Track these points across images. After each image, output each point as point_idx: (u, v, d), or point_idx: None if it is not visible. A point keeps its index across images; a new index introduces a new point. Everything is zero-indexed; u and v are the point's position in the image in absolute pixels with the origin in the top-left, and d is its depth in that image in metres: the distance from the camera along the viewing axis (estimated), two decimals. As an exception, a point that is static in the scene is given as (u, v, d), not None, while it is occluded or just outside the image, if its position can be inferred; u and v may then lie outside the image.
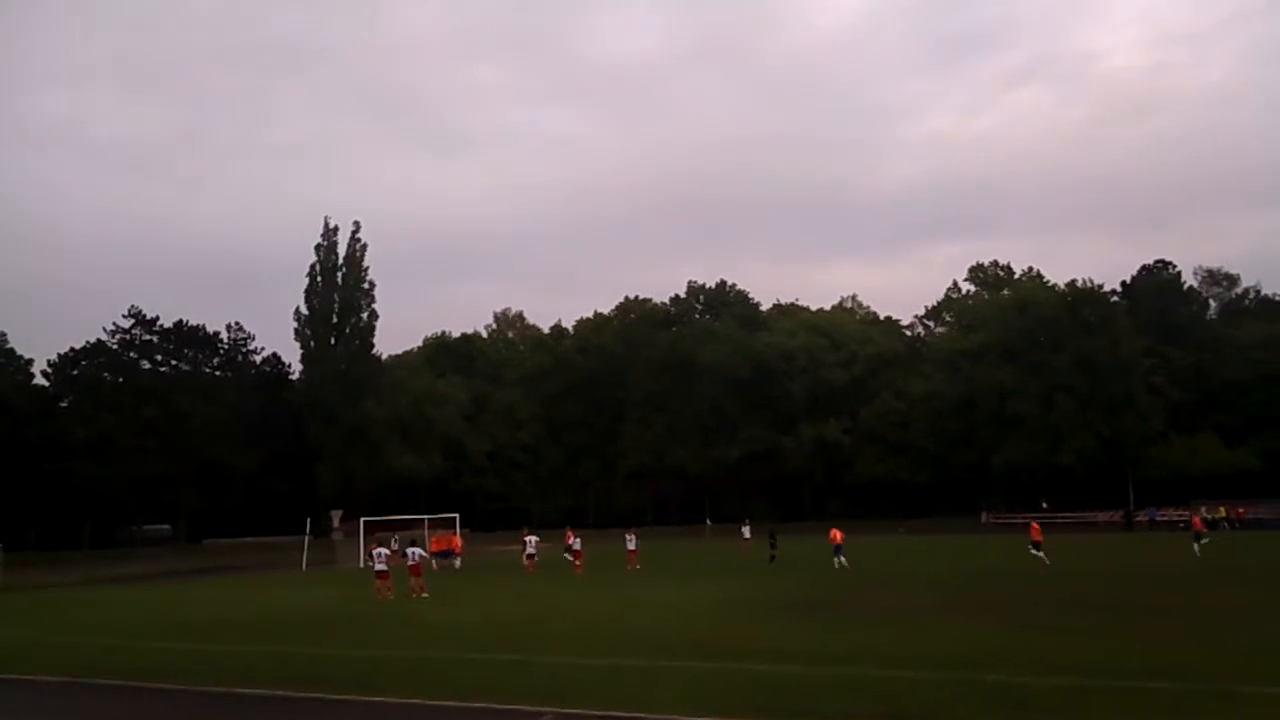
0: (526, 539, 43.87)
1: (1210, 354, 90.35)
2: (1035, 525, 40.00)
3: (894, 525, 76.51)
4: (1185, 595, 25.17)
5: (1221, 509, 68.91)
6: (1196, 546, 40.31)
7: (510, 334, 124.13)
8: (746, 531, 54.52)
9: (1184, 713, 11.59)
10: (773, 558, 42.78)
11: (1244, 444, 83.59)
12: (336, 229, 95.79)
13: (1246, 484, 76.42)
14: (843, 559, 37.82)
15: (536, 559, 42.69)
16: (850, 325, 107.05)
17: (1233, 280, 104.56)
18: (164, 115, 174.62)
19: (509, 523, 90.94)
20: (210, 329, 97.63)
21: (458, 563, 47.66)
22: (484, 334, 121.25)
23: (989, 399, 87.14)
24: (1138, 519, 74.06)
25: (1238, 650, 16.12)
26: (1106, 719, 11.35)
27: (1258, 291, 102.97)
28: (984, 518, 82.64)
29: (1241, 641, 17.11)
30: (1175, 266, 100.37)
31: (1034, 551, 36.76)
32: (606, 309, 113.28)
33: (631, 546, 42.80)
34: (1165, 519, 70.91)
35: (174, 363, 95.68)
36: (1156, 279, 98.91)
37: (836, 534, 39.44)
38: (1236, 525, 66.23)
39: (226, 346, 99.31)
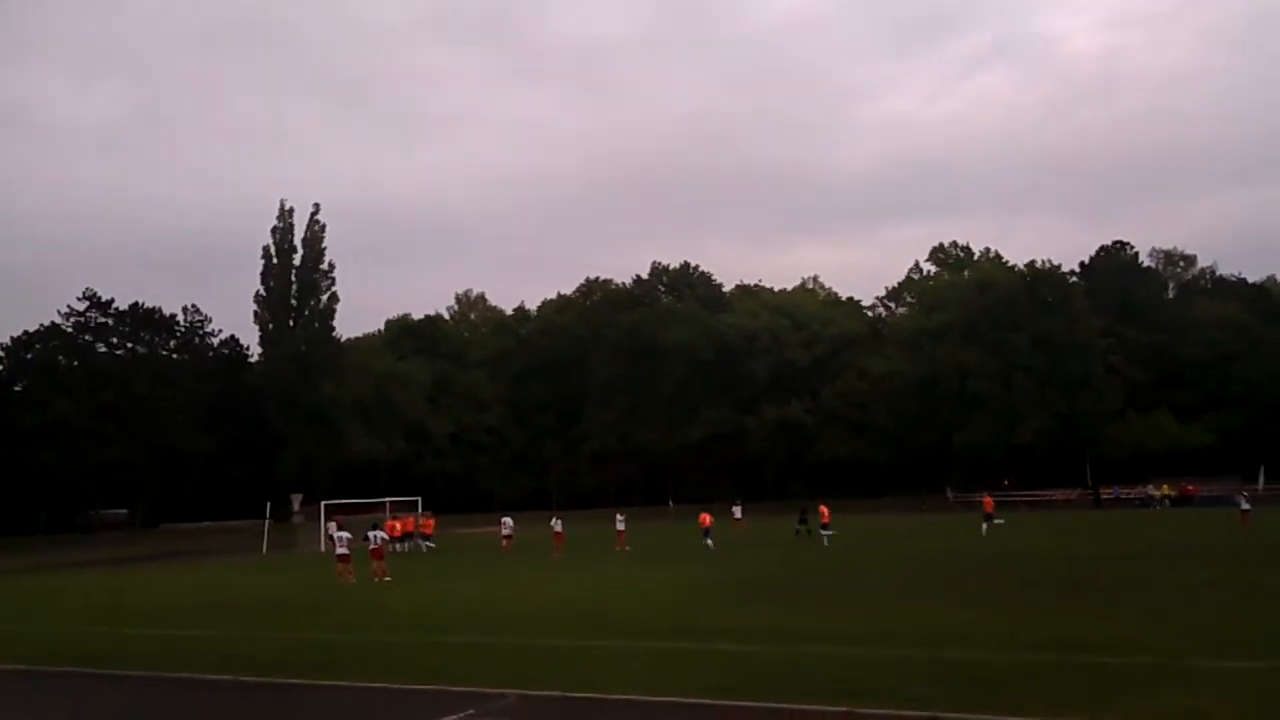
0: (503, 521, 45.62)
1: (1167, 333, 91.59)
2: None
3: (869, 505, 76.65)
4: (1140, 572, 25.55)
5: (1165, 486, 70.57)
6: (985, 527, 41.20)
7: (472, 316, 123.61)
8: (738, 512, 55.51)
9: (1138, 687, 11.72)
10: (798, 532, 44.17)
11: (1199, 421, 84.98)
12: (292, 210, 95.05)
13: (1202, 461, 77.70)
14: (709, 542, 38.76)
15: (513, 540, 44.20)
16: (812, 306, 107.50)
17: (1190, 260, 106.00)
18: (121, 97, 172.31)
19: (472, 505, 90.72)
20: (167, 312, 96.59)
21: (425, 545, 47.30)
22: (446, 316, 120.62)
23: (950, 379, 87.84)
24: (1104, 496, 74.97)
25: (1190, 626, 16.35)
26: (1062, 694, 11.45)
27: (1214, 272, 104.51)
28: (949, 495, 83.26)
29: (1193, 618, 17.36)
30: (1133, 247, 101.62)
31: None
32: (569, 290, 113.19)
33: (620, 527, 42.99)
34: (1129, 496, 72.08)
35: (130, 346, 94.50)
36: (1114, 259, 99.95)
37: (705, 517, 40.85)
38: (1175, 503, 67.93)
39: (183, 329, 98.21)
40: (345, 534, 32.32)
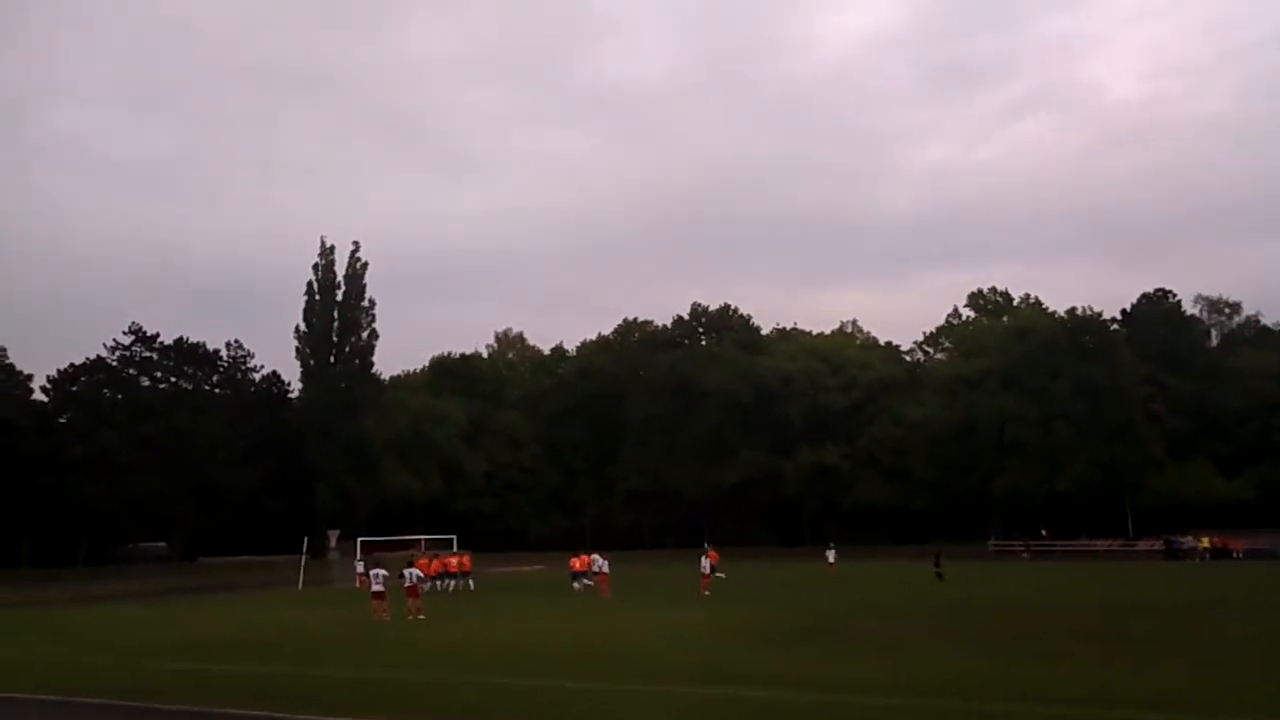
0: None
1: (1209, 382, 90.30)
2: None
3: (911, 551, 75.60)
4: (1181, 626, 25.15)
5: (1204, 538, 69.18)
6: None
7: (510, 355, 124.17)
8: (831, 556, 55.01)
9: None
10: (939, 575, 44.35)
11: (1240, 474, 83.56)
12: (334, 248, 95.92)
13: (1242, 514, 76.30)
14: (584, 583, 40.16)
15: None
16: (850, 350, 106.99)
17: (1235, 308, 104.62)
18: (169, 134, 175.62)
19: (505, 544, 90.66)
20: (210, 347, 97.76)
21: (452, 584, 47.09)
22: (484, 354, 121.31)
23: (989, 425, 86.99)
24: (1159, 548, 72.72)
25: (1232, 683, 16.09)
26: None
27: (1258, 320, 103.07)
28: (990, 544, 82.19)
29: (1236, 674, 17.08)
30: (1175, 295, 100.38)
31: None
32: (608, 331, 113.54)
33: (706, 570, 40.43)
34: (1187, 547, 70.09)
35: (173, 380, 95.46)
36: (1157, 307, 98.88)
37: (575, 562, 42.17)
38: (1213, 555, 66.62)
39: (226, 364, 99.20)
40: (382, 571, 32.42)
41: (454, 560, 49.43)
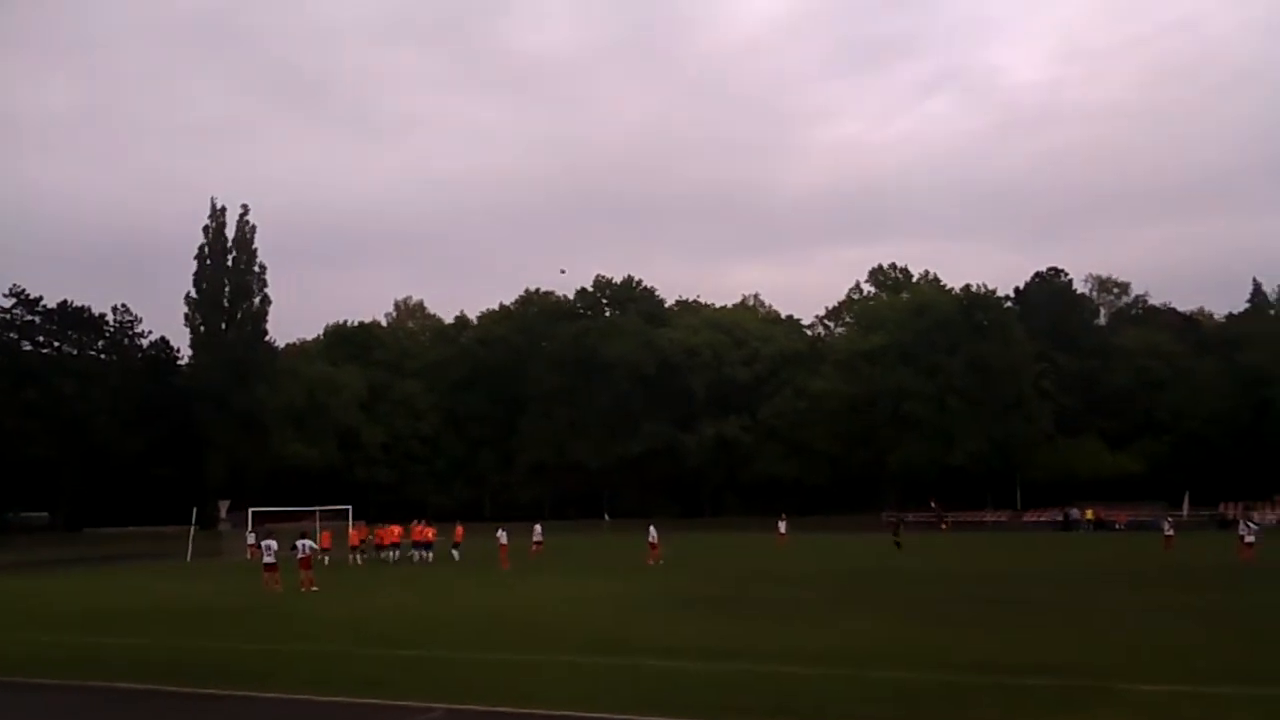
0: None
1: (1098, 360, 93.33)
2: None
3: (811, 523, 76.43)
4: (1071, 593, 25.88)
5: (1089, 511, 72.18)
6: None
7: (411, 323, 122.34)
8: (782, 527, 55.21)
9: (1066, 709, 11.79)
10: (898, 544, 46.27)
11: (1127, 449, 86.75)
12: (224, 210, 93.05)
13: (1129, 487, 79.26)
14: (422, 554, 43.08)
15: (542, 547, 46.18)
16: (752, 323, 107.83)
17: (1123, 288, 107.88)
18: (64, 91, 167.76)
19: (403, 515, 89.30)
20: (97, 311, 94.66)
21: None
22: (383, 323, 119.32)
23: (886, 400, 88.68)
24: (1055, 519, 75.21)
25: (1116, 647, 16.53)
26: (992, 715, 11.48)
27: (1145, 300, 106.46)
28: (884, 515, 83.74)
29: (1119, 639, 17.57)
30: (1067, 274, 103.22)
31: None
32: (510, 301, 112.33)
33: (652, 540, 40.81)
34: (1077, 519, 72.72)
35: (57, 345, 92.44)
36: (1049, 286, 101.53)
37: (415, 531, 44.82)
38: (1096, 527, 69.51)
39: (113, 329, 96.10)
40: (273, 542, 31.71)
41: (432, 530, 47.43)
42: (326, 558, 42.92)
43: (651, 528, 42.21)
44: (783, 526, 55.32)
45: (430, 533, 46.11)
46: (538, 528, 48.28)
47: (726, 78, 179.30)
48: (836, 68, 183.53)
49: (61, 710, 13.89)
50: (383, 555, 45.10)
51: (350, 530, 47.21)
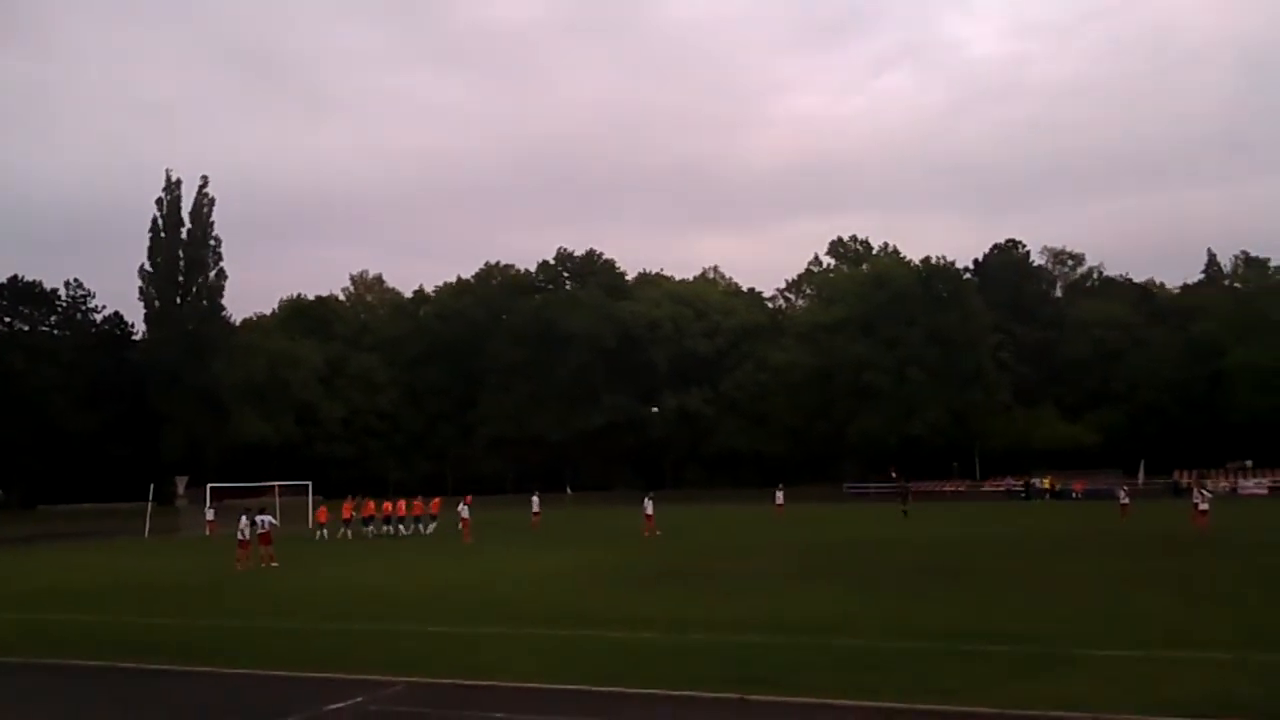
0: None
1: (1054, 331, 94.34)
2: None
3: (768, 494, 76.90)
4: (1029, 561, 26.20)
5: (1047, 480, 73.23)
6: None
7: (369, 297, 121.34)
8: (779, 497, 55.59)
9: (1025, 674, 11.94)
10: (905, 512, 48.07)
11: (1083, 419, 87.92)
12: (179, 182, 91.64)
13: (1085, 456, 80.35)
14: (371, 530, 43.95)
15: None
16: (713, 296, 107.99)
17: (1078, 259, 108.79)
18: (15, 64, 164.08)
19: (363, 490, 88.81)
20: (49, 286, 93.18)
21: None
22: (341, 297, 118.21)
23: (846, 371, 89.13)
24: (1016, 488, 76.19)
25: (1073, 614, 16.76)
26: (950, 681, 11.59)
27: (1101, 271, 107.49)
28: (846, 487, 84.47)
29: (1076, 606, 17.80)
30: (1025, 246, 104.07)
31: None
32: (470, 274, 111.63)
33: (648, 512, 40.45)
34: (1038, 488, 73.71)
35: (7, 320, 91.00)
36: (1007, 257, 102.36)
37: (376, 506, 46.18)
38: (1057, 495, 70.46)
39: (65, 304, 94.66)
40: (243, 518, 31.51)
41: (436, 502, 49.59)
42: (324, 532, 43.90)
43: (648, 500, 42.35)
44: (780, 496, 55.75)
45: (435, 505, 48.61)
46: (535, 499, 49.43)
47: (686, 51, 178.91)
48: (797, 41, 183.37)
49: (22, 689, 13.64)
50: (386, 529, 45.40)
51: (345, 504, 47.15)
